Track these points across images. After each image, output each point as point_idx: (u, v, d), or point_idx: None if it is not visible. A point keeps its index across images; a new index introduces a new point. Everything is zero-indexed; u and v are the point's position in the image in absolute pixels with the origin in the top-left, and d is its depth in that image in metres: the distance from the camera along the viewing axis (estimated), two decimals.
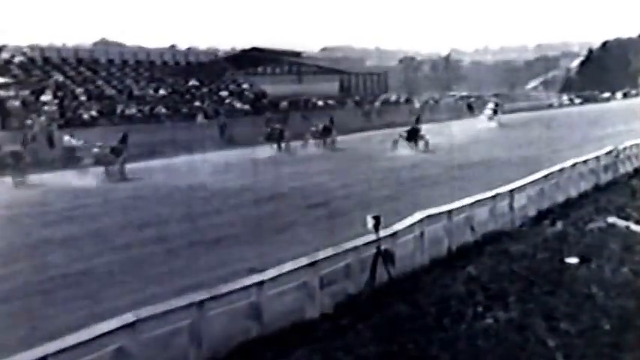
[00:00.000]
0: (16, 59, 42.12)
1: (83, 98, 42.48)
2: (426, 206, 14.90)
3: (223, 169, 26.79)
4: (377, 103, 50.77)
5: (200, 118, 41.66)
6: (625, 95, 55.63)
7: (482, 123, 42.92)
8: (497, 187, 17.52)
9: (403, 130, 31.93)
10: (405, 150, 30.66)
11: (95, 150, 27.19)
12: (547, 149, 29.30)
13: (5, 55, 42.44)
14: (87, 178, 25.24)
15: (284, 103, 45.62)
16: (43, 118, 35.49)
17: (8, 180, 24.87)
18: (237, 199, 21.41)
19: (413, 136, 31.45)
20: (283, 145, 33.10)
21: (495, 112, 44.91)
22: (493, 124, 43.22)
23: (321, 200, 20.51)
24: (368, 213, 12.38)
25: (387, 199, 19.67)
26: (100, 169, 26.43)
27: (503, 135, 38.48)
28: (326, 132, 33.74)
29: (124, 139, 28.27)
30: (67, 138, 32.78)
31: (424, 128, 32.61)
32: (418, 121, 33.22)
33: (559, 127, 40.36)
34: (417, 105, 47.83)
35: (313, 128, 34.13)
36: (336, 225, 16.21)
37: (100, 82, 45.34)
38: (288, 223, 17.76)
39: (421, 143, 31.55)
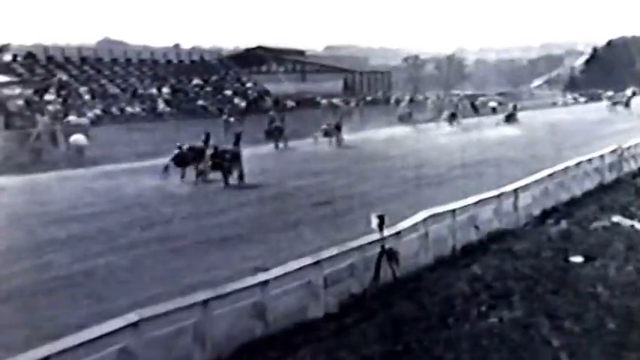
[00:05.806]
0: (20, 58, 42.15)
1: (87, 97, 42.57)
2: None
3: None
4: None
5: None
6: (634, 94, 55.32)
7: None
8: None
9: (503, 115, 46.01)
10: (503, 128, 42.55)
11: (324, 127, 36.76)
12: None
13: (9, 54, 42.51)
14: (321, 145, 35.25)
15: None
16: (46, 117, 35.49)
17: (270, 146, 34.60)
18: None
19: (509, 118, 45.56)
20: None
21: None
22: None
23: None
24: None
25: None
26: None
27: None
28: (453, 116, 45.30)
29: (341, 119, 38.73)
30: (74, 137, 32.83)
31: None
32: (515, 108, 47.05)
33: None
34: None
35: (446, 112, 45.58)
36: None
37: (103, 81, 45.41)
38: None
39: (515, 123, 44.53)
